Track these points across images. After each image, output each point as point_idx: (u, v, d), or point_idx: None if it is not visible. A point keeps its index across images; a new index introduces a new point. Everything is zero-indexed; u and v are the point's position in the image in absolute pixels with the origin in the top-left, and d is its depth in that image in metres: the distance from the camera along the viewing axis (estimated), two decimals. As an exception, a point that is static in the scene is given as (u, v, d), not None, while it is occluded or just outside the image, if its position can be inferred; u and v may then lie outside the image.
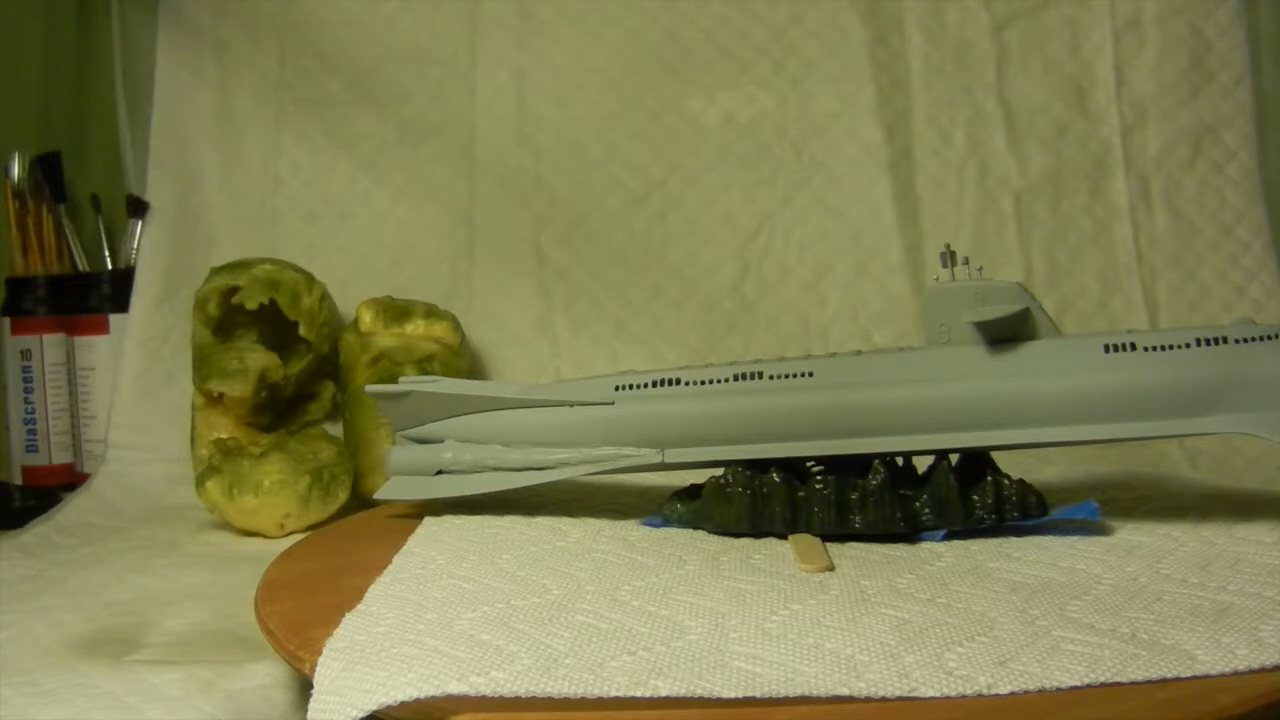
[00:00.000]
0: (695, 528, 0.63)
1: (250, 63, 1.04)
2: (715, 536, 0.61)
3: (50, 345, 0.99)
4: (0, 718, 0.46)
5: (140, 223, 1.01)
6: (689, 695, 0.37)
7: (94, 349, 0.99)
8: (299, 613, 0.49)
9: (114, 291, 1.00)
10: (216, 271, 0.92)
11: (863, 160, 1.01)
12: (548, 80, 1.03)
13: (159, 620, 0.60)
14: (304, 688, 0.40)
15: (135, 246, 1.01)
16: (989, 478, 0.60)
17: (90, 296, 1.00)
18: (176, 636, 0.57)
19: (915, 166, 1.01)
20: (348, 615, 0.46)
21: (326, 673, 0.40)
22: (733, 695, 0.37)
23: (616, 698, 0.37)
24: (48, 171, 1.00)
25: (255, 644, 0.51)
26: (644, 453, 0.64)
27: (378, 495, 0.69)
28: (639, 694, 0.38)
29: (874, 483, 0.60)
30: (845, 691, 0.37)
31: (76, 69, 1.06)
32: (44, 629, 0.58)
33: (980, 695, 0.37)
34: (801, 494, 0.61)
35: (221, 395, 0.87)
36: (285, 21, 1.04)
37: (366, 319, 0.91)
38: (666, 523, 0.64)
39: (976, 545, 0.57)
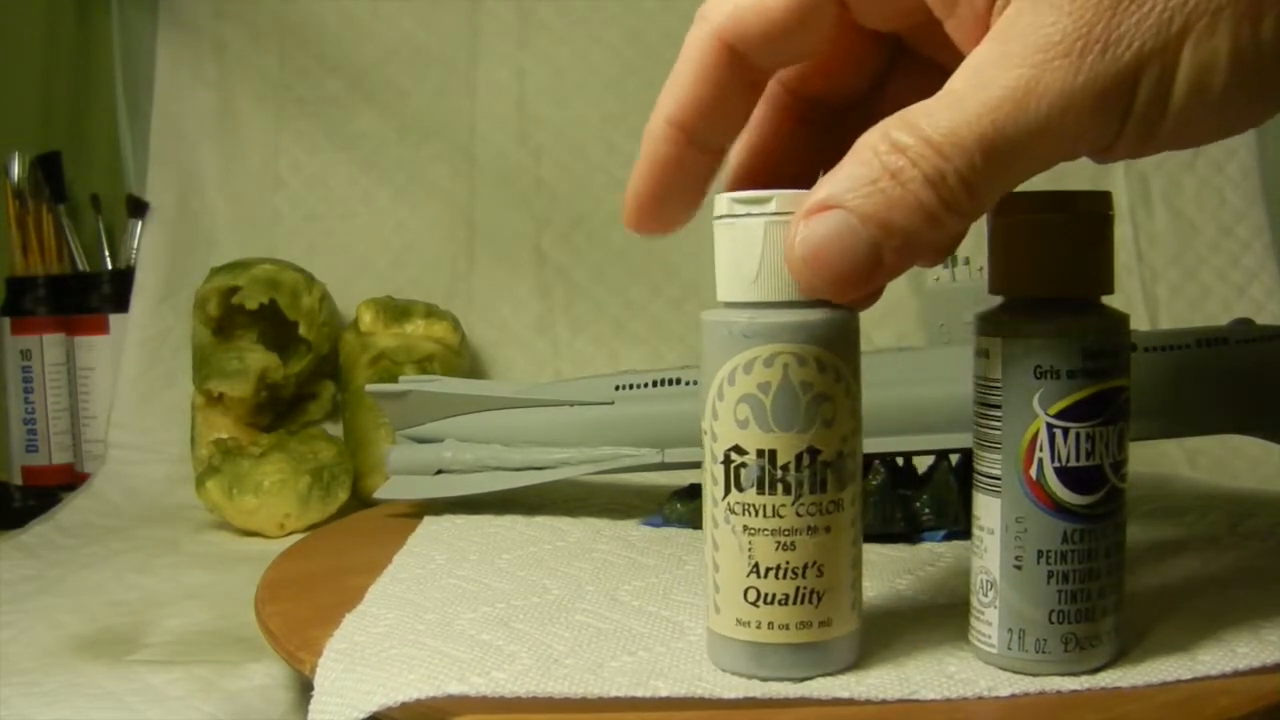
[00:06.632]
0: (695, 528, 0.63)
1: (250, 63, 1.04)
2: (715, 537, 0.61)
3: (50, 345, 0.99)
4: (0, 718, 0.46)
5: (140, 223, 1.01)
6: (689, 696, 0.37)
7: (94, 349, 0.99)
8: (299, 613, 0.49)
9: (114, 291, 1.00)
10: (216, 271, 0.92)
11: (863, 160, 1.01)
12: (548, 80, 1.03)
13: (159, 620, 0.60)
14: (304, 688, 0.40)
15: (135, 246, 1.01)
16: (989, 478, 0.60)
17: (90, 296, 1.00)
18: (176, 636, 0.57)
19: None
20: (348, 616, 0.46)
21: (327, 674, 0.40)
22: (733, 696, 0.37)
23: (617, 698, 0.37)
24: (48, 171, 1.00)
25: (255, 644, 0.51)
26: (644, 452, 0.64)
27: (378, 495, 0.69)
28: (639, 694, 0.38)
29: (874, 483, 0.60)
30: (845, 694, 0.37)
31: (76, 69, 1.06)
32: (44, 629, 0.58)
33: (980, 698, 0.37)
34: (801, 494, 0.60)
35: (221, 395, 0.87)
36: (285, 21, 1.04)
37: (366, 319, 0.91)
38: (667, 522, 0.64)
39: (976, 546, 0.57)
